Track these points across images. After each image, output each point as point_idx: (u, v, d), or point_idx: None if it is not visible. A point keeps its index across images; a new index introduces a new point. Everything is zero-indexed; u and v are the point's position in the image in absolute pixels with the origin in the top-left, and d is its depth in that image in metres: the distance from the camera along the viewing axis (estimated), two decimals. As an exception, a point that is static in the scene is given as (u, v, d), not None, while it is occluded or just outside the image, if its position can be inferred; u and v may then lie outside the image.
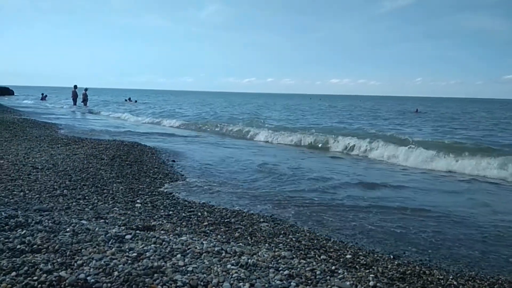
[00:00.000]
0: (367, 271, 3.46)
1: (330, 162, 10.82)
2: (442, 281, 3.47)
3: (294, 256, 3.54)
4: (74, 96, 31.06)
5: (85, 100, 31.16)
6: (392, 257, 4.03)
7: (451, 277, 3.59)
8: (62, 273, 2.64)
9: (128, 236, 3.44)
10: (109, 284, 2.55)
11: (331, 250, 4.02)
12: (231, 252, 3.34)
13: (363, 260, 3.77)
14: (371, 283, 3.10)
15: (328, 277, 3.06)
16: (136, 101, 46.03)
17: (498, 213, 5.93)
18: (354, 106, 58.17)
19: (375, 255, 4.01)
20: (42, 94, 45.81)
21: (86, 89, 31.62)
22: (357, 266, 3.60)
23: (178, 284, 2.63)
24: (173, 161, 8.93)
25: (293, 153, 12.32)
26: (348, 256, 3.85)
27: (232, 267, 3.00)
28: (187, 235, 3.89)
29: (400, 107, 51.27)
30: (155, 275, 2.72)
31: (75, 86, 30.91)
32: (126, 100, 46.70)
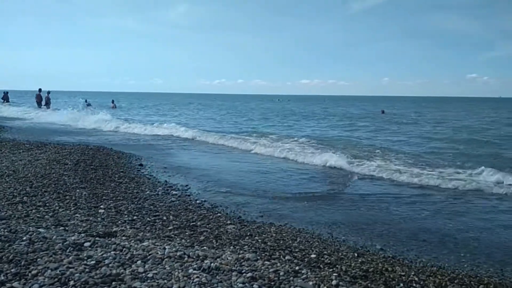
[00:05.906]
0: (331, 270, 3.47)
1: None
2: (404, 277, 3.52)
3: (258, 258, 3.52)
4: (39, 99, 30.69)
5: (47, 103, 30.84)
6: (356, 255, 4.07)
7: (412, 273, 3.65)
8: (15, 284, 2.55)
9: (87, 244, 3.34)
10: (64, 294, 2.47)
11: (296, 250, 4.03)
12: (194, 256, 3.29)
13: (327, 259, 3.79)
14: (333, 282, 3.10)
15: (291, 278, 3.06)
16: (113, 102, 39.04)
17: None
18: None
19: (340, 254, 4.04)
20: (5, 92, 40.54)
21: (48, 92, 31.30)
22: (321, 266, 3.61)
23: (137, 291, 2.58)
24: (140, 165, 8.77)
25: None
26: (312, 256, 3.86)
27: (194, 271, 2.96)
28: (150, 241, 3.80)
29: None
30: (113, 283, 2.65)
31: (40, 90, 30.72)
32: (87, 104, 33.02)
